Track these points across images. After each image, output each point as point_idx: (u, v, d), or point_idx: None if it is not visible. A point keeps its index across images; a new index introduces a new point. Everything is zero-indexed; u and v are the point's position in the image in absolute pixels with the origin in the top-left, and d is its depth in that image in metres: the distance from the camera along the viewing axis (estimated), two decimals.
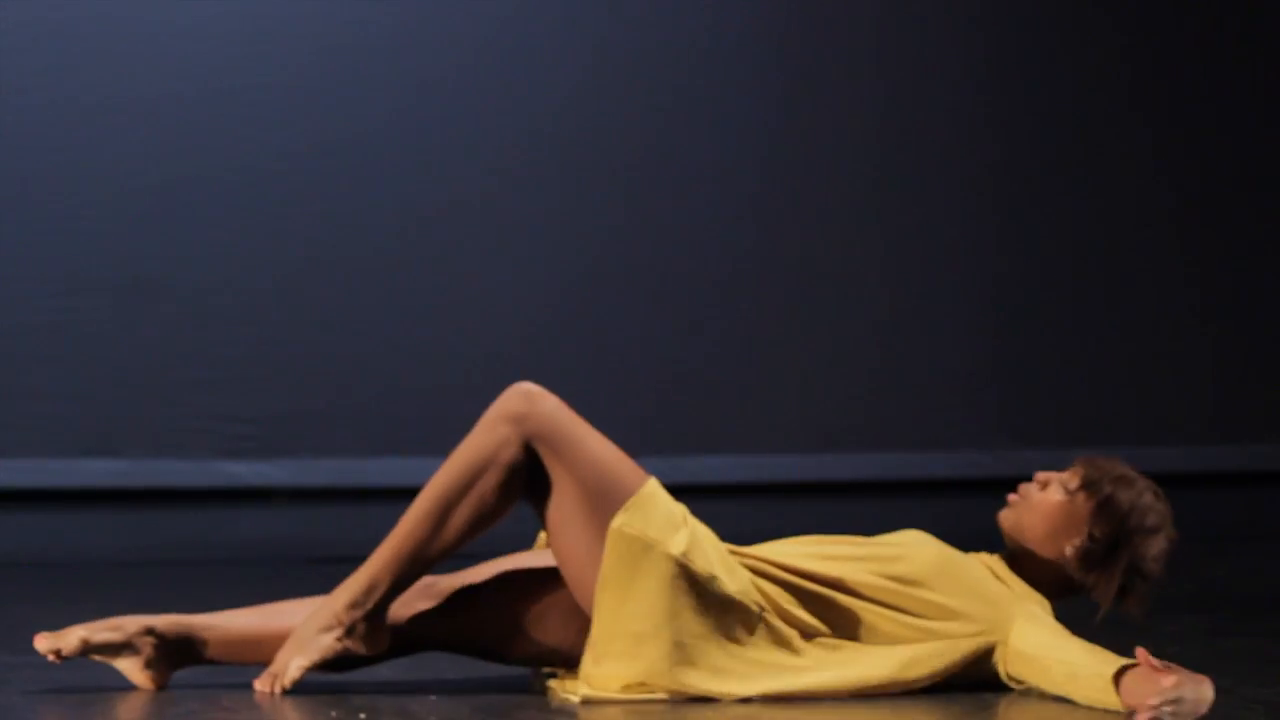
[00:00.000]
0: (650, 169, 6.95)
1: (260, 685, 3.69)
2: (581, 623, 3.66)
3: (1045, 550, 3.80)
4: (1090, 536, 3.79)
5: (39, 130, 6.41)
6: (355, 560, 5.84)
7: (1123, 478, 3.84)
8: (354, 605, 3.67)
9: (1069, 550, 3.79)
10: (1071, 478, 3.84)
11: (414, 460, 6.61)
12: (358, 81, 6.67)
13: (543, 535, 3.86)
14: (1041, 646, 3.65)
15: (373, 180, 6.67)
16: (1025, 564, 3.83)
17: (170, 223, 6.51)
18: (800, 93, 7.10)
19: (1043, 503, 3.83)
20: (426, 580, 3.75)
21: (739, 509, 6.08)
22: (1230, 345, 7.42)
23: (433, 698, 3.68)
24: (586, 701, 3.58)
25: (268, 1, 6.62)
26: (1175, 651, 4.36)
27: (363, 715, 3.51)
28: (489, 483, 3.65)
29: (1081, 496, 3.80)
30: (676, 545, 3.56)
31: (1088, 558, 3.78)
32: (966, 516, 7.07)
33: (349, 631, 3.67)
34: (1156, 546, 3.83)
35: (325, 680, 3.76)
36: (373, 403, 6.67)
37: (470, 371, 6.69)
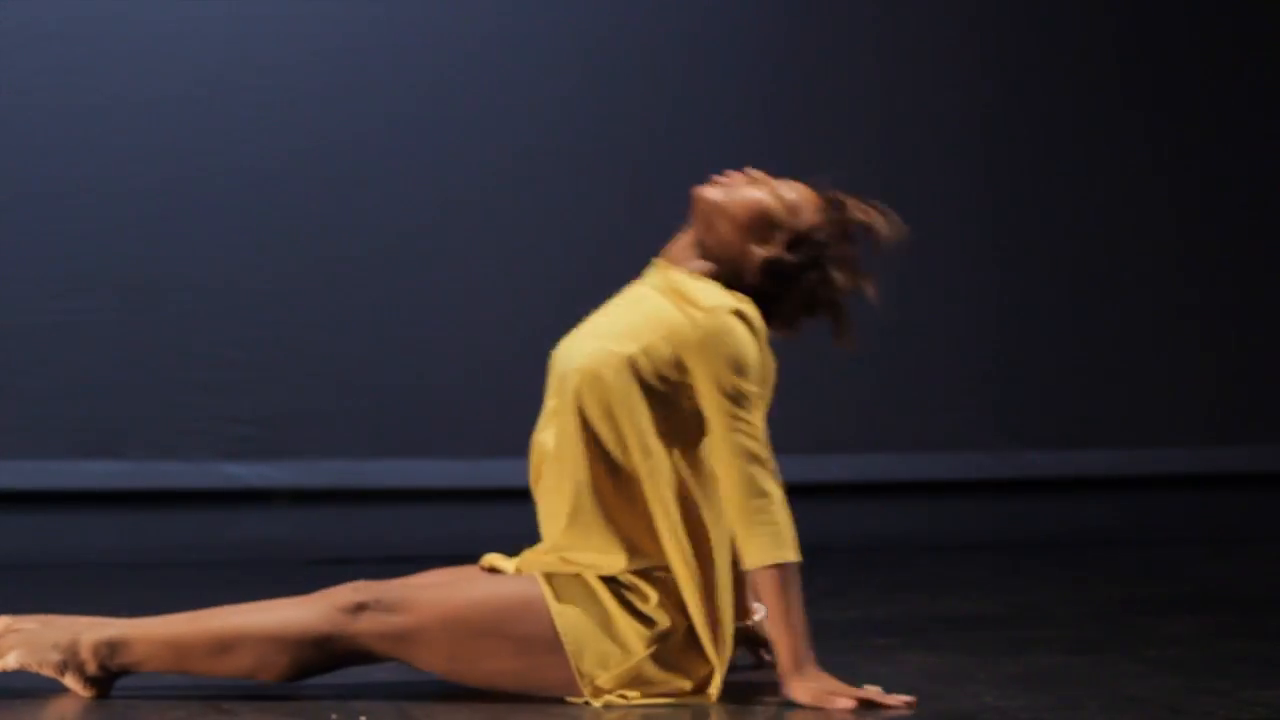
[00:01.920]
0: (650, 170, 6.94)
1: None
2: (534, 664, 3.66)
3: (733, 242, 3.73)
4: (787, 248, 3.71)
5: (39, 131, 6.41)
6: (355, 561, 5.85)
7: (861, 209, 3.75)
8: (98, 650, 3.62)
9: (761, 253, 3.71)
10: (792, 189, 3.77)
11: (414, 461, 6.62)
12: (358, 82, 6.67)
13: (488, 558, 3.81)
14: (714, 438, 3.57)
15: (373, 180, 6.67)
16: (708, 250, 3.73)
17: (170, 223, 6.50)
18: (800, 94, 7.10)
19: (750, 195, 3.79)
20: (360, 597, 3.64)
21: None
22: (1230, 346, 7.42)
23: (432, 701, 3.69)
24: (609, 707, 3.59)
25: (268, 3, 6.62)
26: (1176, 654, 4.37)
27: (363, 718, 3.51)
28: (294, 654, 3.60)
29: (814, 203, 3.73)
30: (635, 649, 3.59)
31: (776, 269, 3.70)
32: (967, 517, 7.10)
33: (77, 668, 3.62)
34: (843, 279, 3.75)
35: (326, 682, 3.76)
36: (373, 403, 6.66)
37: (470, 372, 6.70)
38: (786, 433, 7.13)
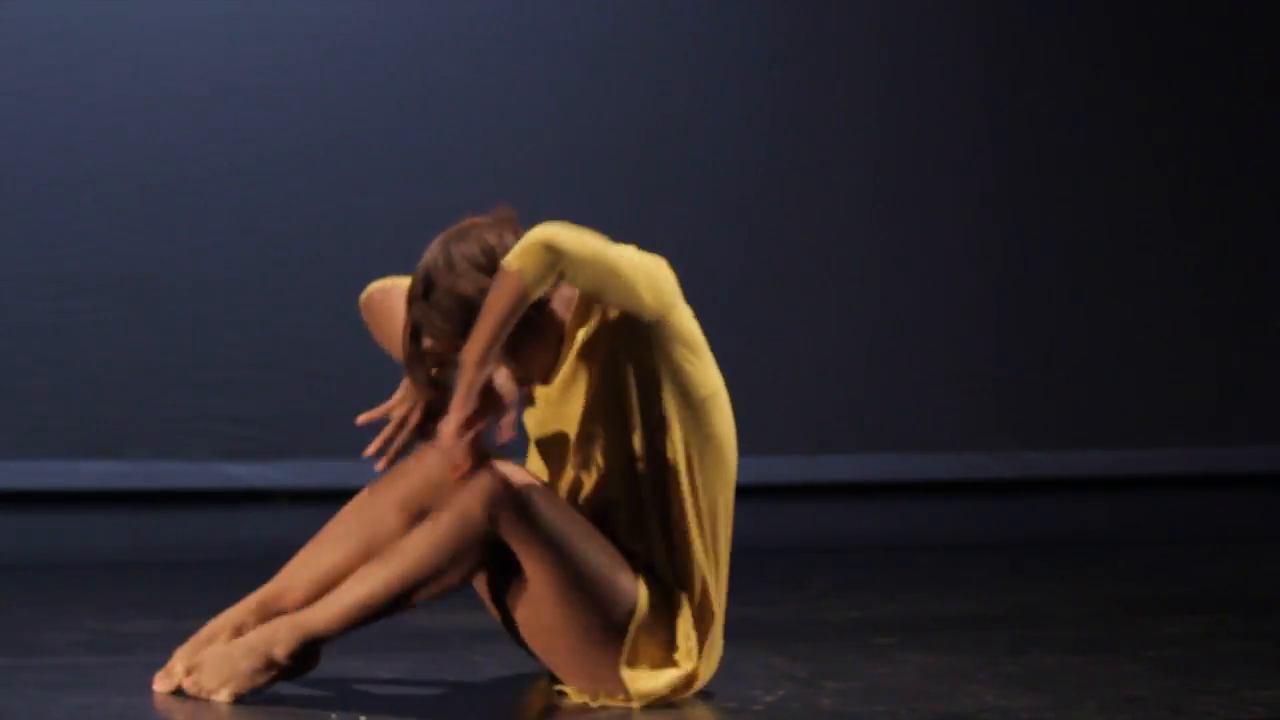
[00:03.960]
0: (649, 171, 6.94)
1: (163, 687, 3.66)
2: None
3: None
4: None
5: (39, 130, 6.40)
6: None
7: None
8: (293, 654, 3.63)
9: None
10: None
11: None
12: (358, 82, 6.67)
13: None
14: None
15: (373, 180, 6.66)
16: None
17: (170, 223, 6.50)
18: (799, 94, 7.10)
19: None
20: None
21: (738, 510, 6.06)
22: (1230, 346, 7.42)
23: (433, 700, 3.68)
24: (604, 707, 3.58)
25: (268, 1, 6.62)
26: (1176, 654, 4.37)
27: (362, 718, 3.50)
28: (459, 571, 3.64)
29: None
30: (688, 660, 3.62)
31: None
32: (966, 518, 7.10)
33: (284, 672, 3.64)
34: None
35: (326, 683, 3.75)
36: (373, 403, 6.64)
37: None
38: (786, 433, 7.16)
